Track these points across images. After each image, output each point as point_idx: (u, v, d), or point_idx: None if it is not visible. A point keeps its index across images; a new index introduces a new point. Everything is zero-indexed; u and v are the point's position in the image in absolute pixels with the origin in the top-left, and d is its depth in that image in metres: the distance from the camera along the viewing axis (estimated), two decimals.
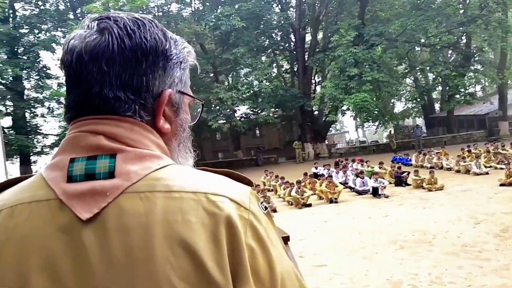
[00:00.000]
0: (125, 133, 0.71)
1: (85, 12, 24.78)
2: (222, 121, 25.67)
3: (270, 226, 0.72)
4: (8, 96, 25.87)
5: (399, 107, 40.74)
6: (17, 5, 28.66)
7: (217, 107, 26.20)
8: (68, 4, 29.03)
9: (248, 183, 0.76)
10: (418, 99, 31.69)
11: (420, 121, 44.93)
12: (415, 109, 39.13)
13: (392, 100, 34.74)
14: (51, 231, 0.63)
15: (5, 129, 26.66)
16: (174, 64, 0.77)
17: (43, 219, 0.64)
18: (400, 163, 19.03)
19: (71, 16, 28.88)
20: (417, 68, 29.39)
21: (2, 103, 26.36)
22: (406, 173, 15.09)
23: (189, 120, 0.83)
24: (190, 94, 0.82)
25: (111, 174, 0.66)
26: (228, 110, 25.46)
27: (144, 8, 25.95)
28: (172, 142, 0.79)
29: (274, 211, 12.51)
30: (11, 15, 27.53)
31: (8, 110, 26.54)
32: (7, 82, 26.40)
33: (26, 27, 27.85)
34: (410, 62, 30.36)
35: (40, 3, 27.59)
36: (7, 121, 27.26)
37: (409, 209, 10.78)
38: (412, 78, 34.88)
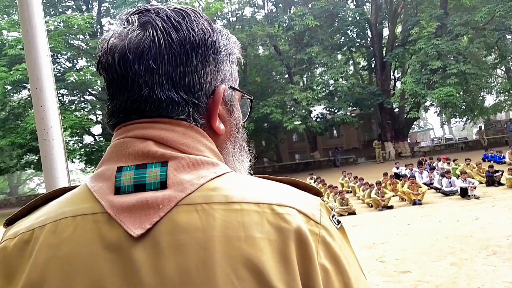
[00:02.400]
0: (176, 138, 0.63)
1: None
2: (297, 122, 25.63)
3: (345, 243, 0.63)
4: (98, 106, 28.06)
5: (489, 100, 38.01)
6: (103, 20, 31.05)
7: (292, 108, 26.21)
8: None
9: (317, 193, 0.66)
10: (511, 91, 29.20)
11: None
12: (508, 102, 36.17)
13: (482, 93, 32.62)
14: (98, 249, 0.57)
15: (96, 136, 29.02)
16: (224, 57, 0.70)
17: (89, 236, 0.58)
18: (492, 161, 17.73)
19: None
20: (509, 58, 27.21)
21: (93, 112, 28.65)
22: (500, 172, 13.93)
23: (241, 118, 0.75)
24: (241, 90, 0.75)
25: (163, 184, 0.59)
26: (304, 111, 25.35)
27: (219, 14, 26.79)
28: (227, 144, 0.72)
29: (353, 213, 12.26)
30: (99, 30, 29.86)
31: (99, 119, 28.75)
32: (97, 93, 28.67)
33: None
34: (500, 52, 28.31)
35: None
36: (98, 129, 29.58)
37: (503, 211, 9.96)
38: (504, 69, 32.36)
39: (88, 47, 27.36)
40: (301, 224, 0.58)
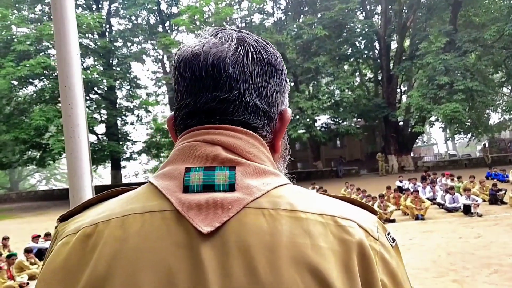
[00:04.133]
0: (243, 146, 0.66)
1: (173, 25, 26.32)
2: (301, 131, 25.60)
3: (400, 261, 0.65)
4: (103, 105, 28.15)
5: (494, 118, 38.02)
6: (113, 21, 31.23)
7: (297, 117, 26.20)
8: (158, 18, 30.95)
9: (373, 211, 0.68)
10: None
11: None
12: None
13: (487, 111, 32.52)
14: (166, 244, 0.58)
15: (99, 135, 29.06)
16: (286, 84, 0.76)
17: (157, 232, 0.59)
18: (495, 179, 17.66)
19: (160, 29, 30.77)
20: None
21: (98, 111, 28.73)
22: (503, 190, 13.88)
23: (286, 141, 0.80)
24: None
25: (231, 187, 0.61)
26: (308, 120, 25.34)
27: (228, 19, 26.88)
28: (280, 163, 0.76)
29: None
30: (108, 29, 29.99)
31: (103, 118, 28.81)
32: (102, 92, 28.76)
33: (120, 40, 30.17)
34: (507, 70, 28.28)
35: (133, 17, 29.71)
36: (101, 128, 29.64)
37: (505, 230, 9.93)
38: (510, 88, 32.26)
39: (96, 46, 27.49)
40: (363, 238, 0.60)
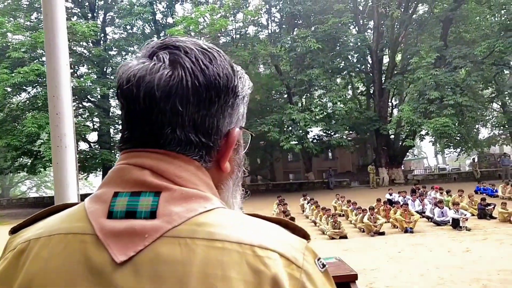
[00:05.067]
0: (173, 170, 0.65)
1: (168, 35, 26.36)
2: (294, 142, 25.67)
3: (327, 287, 0.63)
4: (96, 113, 28.04)
5: (484, 133, 38.30)
6: (108, 29, 31.24)
7: (290, 128, 26.29)
8: (153, 27, 31.07)
9: (304, 235, 0.66)
10: (506, 126, 29.48)
11: (508, 149, 41.70)
12: (503, 136, 36.44)
13: (477, 126, 32.82)
14: (82, 269, 0.59)
15: (91, 144, 28.90)
16: (240, 100, 0.72)
17: (76, 255, 0.60)
18: (484, 194, 17.78)
19: (155, 39, 30.64)
20: (506, 93, 27.54)
21: (90, 119, 28.61)
22: (492, 205, 13.97)
23: (243, 156, 0.77)
24: (246, 128, 0.77)
25: (152, 214, 0.60)
26: (301, 131, 25.43)
27: (223, 31, 27.03)
28: (228, 181, 0.73)
29: (345, 237, 12.19)
30: (102, 38, 30.01)
31: (95, 126, 28.69)
32: (96, 100, 28.67)
33: (115, 49, 30.19)
34: (497, 86, 28.62)
35: (128, 27, 29.79)
36: (94, 136, 29.46)
37: (494, 245, 9.97)
38: (500, 103, 32.67)
39: (90, 55, 27.47)
40: (281, 268, 0.58)
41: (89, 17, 29.44)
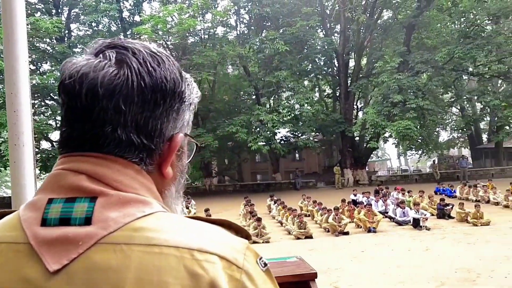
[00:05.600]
0: (110, 174, 0.63)
1: (135, 33, 25.97)
2: (262, 143, 25.78)
3: (269, 286, 0.63)
4: (59, 112, 27.04)
5: (444, 136, 39.69)
6: (73, 26, 30.38)
7: (258, 129, 26.38)
8: (120, 25, 30.49)
9: (247, 236, 0.68)
10: (465, 129, 30.74)
11: (466, 151, 43.35)
12: (461, 139, 37.98)
13: (437, 129, 33.93)
14: (15, 278, 0.57)
15: (54, 143, 28.01)
16: (186, 106, 0.72)
17: (9, 265, 0.58)
18: (443, 195, 18.41)
19: (122, 37, 30.06)
20: (464, 97, 28.61)
21: (53, 118, 27.72)
22: (450, 205, 14.50)
23: (187, 163, 0.76)
24: (191, 135, 0.77)
25: (87, 220, 0.59)
26: (269, 132, 25.56)
27: (191, 30, 26.84)
28: (171, 187, 0.72)
29: (310, 237, 12.35)
30: (67, 35, 29.18)
31: (58, 125, 27.78)
32: (59, 98, 27.72)
33: (80, 46, 29.37)
34: (456, 91, 29.66)
35: (93, 24, 29.10)
36: (56, 135, 28.55)
37: (452, 244, 10.32)
38: (459, 107, 33.97)
39: (54, 51, 26.65)
40: (220, 272, 0.58)
41: (53, 13, 28.51)
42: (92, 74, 0.63)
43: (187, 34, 27.25)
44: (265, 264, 0.64)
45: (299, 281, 1.80)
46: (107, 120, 0.63)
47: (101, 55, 0.66)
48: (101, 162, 0.63)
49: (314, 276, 1.82)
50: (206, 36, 28.65)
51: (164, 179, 0.70)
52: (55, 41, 27.33)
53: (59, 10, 29.52)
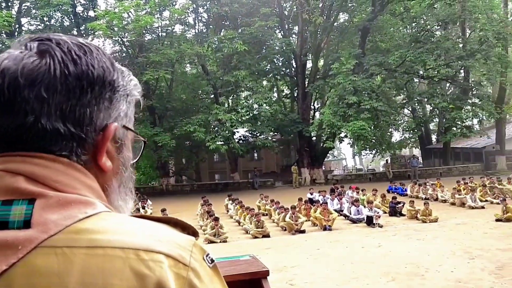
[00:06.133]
0: (50, 175, 0.61)
1: (89, 29, 25.20)
2: (220, 143, 25.71)
3: (215, 282, 0.63)
4: None
5: (396, 136, 41.03)
6: (23, 20, 29.06)
7: (216, 128, 26.30)
8: (73, 20, 29.48)
9: (194, 232, 0.67)
10: (415, 130, 31.94)
11: (417, 151, 45.18)
12: (412, 139, 39.43)
13: (390, 130, 35.00)
14: None
15: None
16: (121, 97, 0.70)
17: None
18: (395, 193, 19.08)
19: (75, 32, 29.26)
20: (415, 99, 29.69)
21: None
22: (402, 203, 15.04)
23: (131, 158, 0.74)
24: (135, 130, 0.75)
25: (26, 224, 0.56)
26: (227, 132, 25.53)
27: (148, 28, 26.36)
28: (112, 183, 0.70)
29: (268, 236, 12.44)
30: (17, 29, 27.86)
31: None
32: None
33: None
34: (408, 93, 30.70)
35: (45, 19, 27.97)
36: None
37: (402, 240, 10.70)
38: (410, 109, 35.21)
39: (3, 47, 25.32)
40: (166, 270, 0.57)
41: (3, 7, 27.16)
42: (13, 66, 0.62)
43: (144, 31, 26.74)
44: (212, 261, 0.64)
45: (251, 279, 1.84)
46: (29, 110, 0.61)
47: (23, 47, 0.65)
48: (40, 162, 0.61)
49: (266, 273, 1.86)
50: (164, 34, 28.23)
51: (103, 172, 0.67)
52: (4, 35, 26.02)
53: (9, 4, 28.16)
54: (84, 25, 27.79)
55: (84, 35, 28.61)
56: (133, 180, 0.76)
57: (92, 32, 26.69)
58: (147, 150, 26.92)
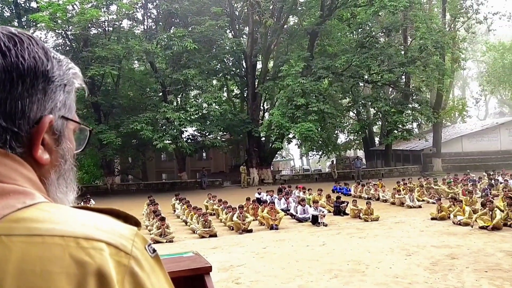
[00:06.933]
0: None
1: (31, 20, 23.95)
2: (168, 141, 25.31)
3: (157, 271, 0.63)
4: None
5: (342, 138, 42.23)
6: None
7: (164, 127, 25.86)
8: (13, 11, 27.88)
9: (136, 222, 0.68)
10: (360, 132, 33.01)
11: (361, 153, 46.76)
12: (357, 141, 40.85)
13: (336, 132, 35.90)
14: None
15: None
16: (57, 87, 0.68)
17: None
18: (340, 193, 19.66)
19: (16, 24, 27.71)
20: (360, 103, 30.68)
21: None
22: (345, 203, 15.51)
23: (73, 149, 0.73)
24: (76, 119, 0.74)
25: None
26: (175, 131, 25.19)
27: (94, 21, 25.45)
28: (50, 175, 0.69)
29: (215, 235, 12.39)
30: None
31: None
32: None
33: None
34: (353, 96, 31.63)
35: None
36: None
37: (345, 238, 11.03)
38: (355, 112, 36.30)
39: None
40: (107, 258, 0.57)
41: None
42: None
43: (90, 25, 25.79)
44: (154, 251, 0.65)
45: (195, 275, 1.86)
46: None
47: None
48: None
49: (209, 269, 1.89)
50: (111, 29, 27.41)
51: (42, 166, 0.67)
52: None
53: None
54: (25, 16, 26.36)
55: (25, 27, 27.12)
56: (74, 171, 0.75)
57: (34, 24, 25.38)
58: (91, 148, 25.98)
